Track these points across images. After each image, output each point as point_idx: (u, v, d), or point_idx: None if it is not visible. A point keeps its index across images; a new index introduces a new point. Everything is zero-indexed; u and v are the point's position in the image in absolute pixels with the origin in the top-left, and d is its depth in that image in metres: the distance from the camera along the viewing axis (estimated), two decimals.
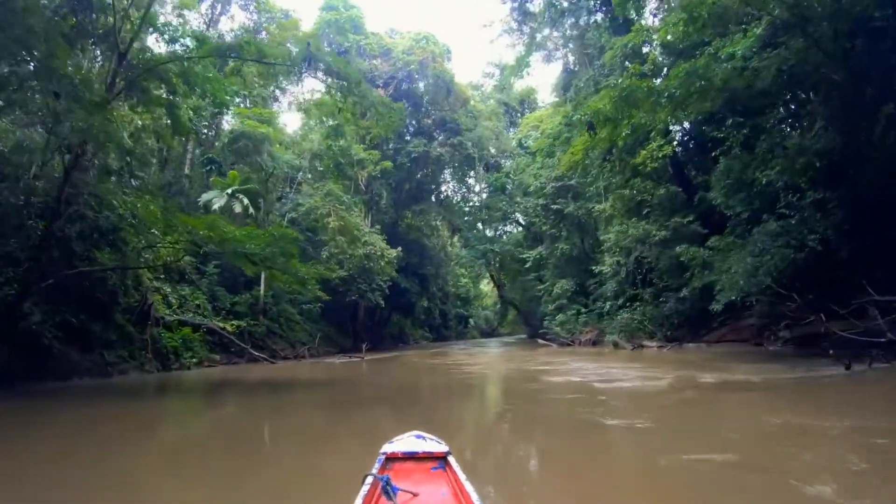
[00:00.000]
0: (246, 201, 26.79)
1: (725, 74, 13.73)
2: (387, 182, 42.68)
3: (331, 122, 31.45)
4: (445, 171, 47.11)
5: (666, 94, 14.05)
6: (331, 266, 25.04)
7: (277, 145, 31.55)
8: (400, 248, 37.52)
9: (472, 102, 45.91)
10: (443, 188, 46.13)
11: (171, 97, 17.77)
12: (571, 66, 46.01)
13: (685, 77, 13.87)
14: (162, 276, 24.63)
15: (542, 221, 35.93)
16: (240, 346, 25.75)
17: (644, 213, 23.28)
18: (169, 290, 24.62)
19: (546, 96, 69.87)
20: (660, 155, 21.38)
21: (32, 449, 7.11)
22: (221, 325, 25.46)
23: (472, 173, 47.82)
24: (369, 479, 2.85)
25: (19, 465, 6.21)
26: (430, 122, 42.17)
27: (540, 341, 32.43)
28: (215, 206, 26.59)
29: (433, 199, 44.34)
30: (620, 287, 27.90)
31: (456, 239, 56.76)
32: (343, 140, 32.49)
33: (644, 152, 21.79)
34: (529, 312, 45.13)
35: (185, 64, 15.48)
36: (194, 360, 22.41)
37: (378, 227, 39.76)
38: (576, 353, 24.61)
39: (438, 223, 46.88)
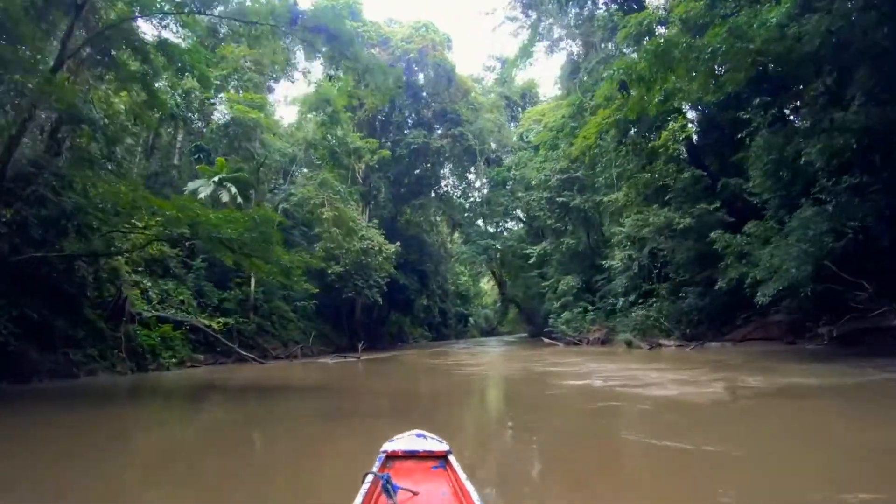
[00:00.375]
0: (234, 190, 24.83)
1: (768, 33, 11.82)
2: (385, 175, 40.73)
3: (327, 109, 29.50)
4: (445, 167, 45.10)
5: (709, 50, 12.13)
6: (317, 255, 22.98)
7: (271, 135, 29.53)
8: (398, 243, 35.57)
9: (472, 94, 43.97)
10: (442, 183, 44.13)
11: (145, 69, 15.81)
12: (575, 57, 44.24)
13: (727, 35, 11.98)
14: (141, 269, 22.65)
15: (546, 215, 34.01)
16: (227, 346, 23.78)
17: (665, 199, 21.18)
18: (149, 284, 22.64)
19: (548, 90, 68.44)
20: (682, 136, 19.42)
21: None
22: (207, 322, 23.47)
23: (472, 168, 45.78)
24: (369, 478, 2.74)
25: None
26: (429, 113, 40.22)
27: (545, 340, 30.51)
28: (201, 195, 24.63)
29: (433, 193, 42.35)
30: (632, 282, 25.99)
31: (456, 236, 54.86)
32: (340, 129, 30.51)
33: (665, 133, 19.83)
34: (532, 310, 43.21)
35: (159, 25, 13.51)
36: (174, 360, 20.42)
37: (376, 221, 37.80)
38: (586, 353, 22.67)
39: (438, 219, 44.93)
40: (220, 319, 24.53)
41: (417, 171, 41.06)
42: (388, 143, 41.19)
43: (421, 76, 41.80)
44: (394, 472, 2.99)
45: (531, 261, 35.48)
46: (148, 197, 12.55)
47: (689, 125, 19.95)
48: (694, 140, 23.75)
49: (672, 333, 21.50)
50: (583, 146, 23.82)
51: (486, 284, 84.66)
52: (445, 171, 46.01)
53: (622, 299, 26.45)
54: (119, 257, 19.39)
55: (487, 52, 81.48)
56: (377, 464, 3.13)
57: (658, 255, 23.36)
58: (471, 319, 78.05)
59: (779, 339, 17.79)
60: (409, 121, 41.34)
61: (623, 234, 25.33)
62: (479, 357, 26.46)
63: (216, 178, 24.81)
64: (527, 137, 50.82)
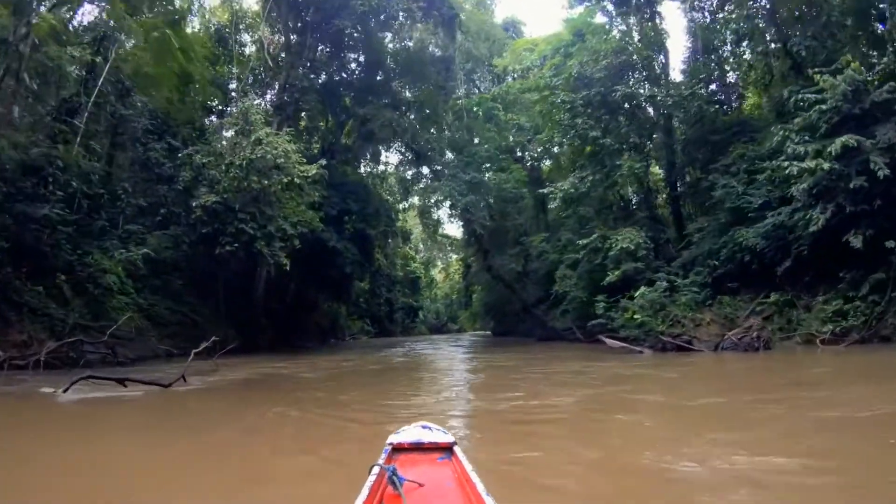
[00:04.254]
0: None
1: None
2: (312, 72, 23.47)
3: None
4: (407, 91, 27.71)
5: None
6: None
7: None
8: (322, 162, 18.70)
9: None
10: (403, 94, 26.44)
11: None
12: None
13: None
14: None
15: (586, 125, 17.87)
16: None
17: None
18: None
19: (534, 28, 52.51)
20: None
21: None
22: None
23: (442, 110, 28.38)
24: (375, 469, 2.50)
25: None
26: None
27: (609, 342, 14.26)
28: None
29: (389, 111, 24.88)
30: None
31: (413, 213, 37.69)
32: None
33: None
34: (529, 295, 26.80)
35: None
36: None
37: (289, 131, 20.42)
38: None
39: (388, 160, 27.64)
40: None
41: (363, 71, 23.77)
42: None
43: None
44: (399, 464, 2.67)
45: (554, 205, 19.14)
46: None
47: None
48: None
49: None
50: None
51: (439, 274, 68.36)
52: (408, 95, 28.38)
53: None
54: None
55: None
56: (383, 455, 2.71)
57: None
58: (420, 314, 61.40)
59: None
60: None
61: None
62: (504, 397, 10.15)
63: None
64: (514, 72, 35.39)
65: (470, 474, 2.49)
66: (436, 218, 35.20)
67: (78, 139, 16.83)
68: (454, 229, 45.13)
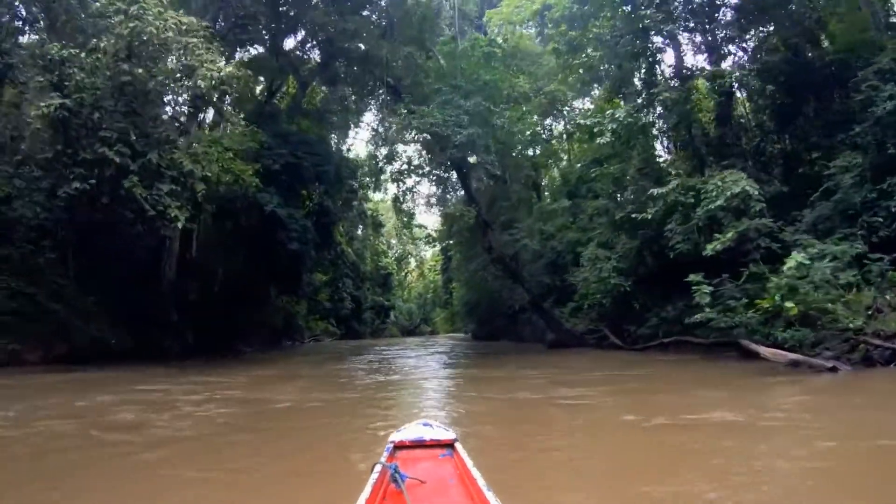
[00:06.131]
0: None
1: None
2: None
3: None
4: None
5: None
6: None
7: None
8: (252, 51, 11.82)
9: None
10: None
11: None
12: None
13: None
14: None
15: (655, 19, 11.49)
16: None
17: None
18: None
19: None
20: None
21: None
22: None
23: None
24: (378, 468, 2.47)
25: None
26: None
27: (764, 351, 7.52)
28: None
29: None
30: None
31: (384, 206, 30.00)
32: None
33: None
34: (543, 285, 19.96)
35: None
36: None
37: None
38: None
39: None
40: None
41: None
42: None
43: None
44: (402, 462, 2.63)
45: (600, 139, 12.44)
46: None
47: None
48: None
49: None
50: None
51: (414, 272, 61.24)
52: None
53: None
54: None
55: None
56: (385, 454, 2.71)
57: None
58: (392, 314, 54.19)
59: None
60: None
61: None
62: None
63: None
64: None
65: (471, 470, 2.42)
66: (410, 207, 28.20)
67: None
68: (432, 220, 38.49)
